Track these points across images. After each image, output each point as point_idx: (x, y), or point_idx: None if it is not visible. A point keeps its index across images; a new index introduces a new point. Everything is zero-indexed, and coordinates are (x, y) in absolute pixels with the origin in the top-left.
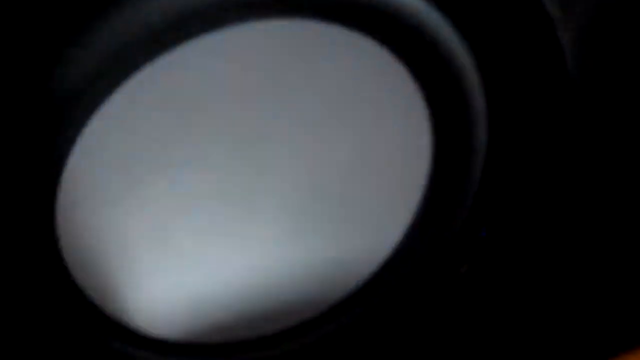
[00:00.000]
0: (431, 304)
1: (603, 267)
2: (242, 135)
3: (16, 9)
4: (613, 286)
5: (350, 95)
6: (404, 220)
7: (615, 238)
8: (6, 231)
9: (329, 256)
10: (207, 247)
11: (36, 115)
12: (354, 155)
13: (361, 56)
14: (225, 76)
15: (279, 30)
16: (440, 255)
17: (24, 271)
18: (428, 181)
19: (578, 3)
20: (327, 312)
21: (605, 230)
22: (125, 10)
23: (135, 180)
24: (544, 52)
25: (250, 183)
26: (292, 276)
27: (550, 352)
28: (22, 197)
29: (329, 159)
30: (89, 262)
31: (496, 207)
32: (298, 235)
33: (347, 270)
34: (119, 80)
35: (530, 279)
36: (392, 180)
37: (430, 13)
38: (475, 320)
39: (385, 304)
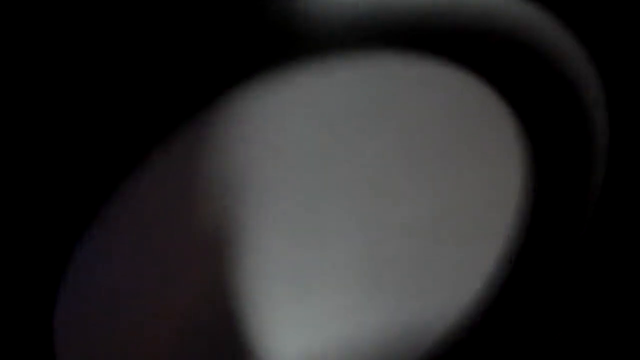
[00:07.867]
0: None
1: None
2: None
3: None
4: None
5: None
6: (482, 276)
7: None
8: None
9: (406, 317)
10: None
11: None
12: (441, 202)
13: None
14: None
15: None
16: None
17: None
18: (515, 236)
19: None
20: None
21: None
22: None
23: None
24: None
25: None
26: (369, 340)
27: None
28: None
29: (416, 206)
30: None
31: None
32: (377, 295)
33: (424, 331)
34: None
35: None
36: (476, 234)
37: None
38: None
39: None
